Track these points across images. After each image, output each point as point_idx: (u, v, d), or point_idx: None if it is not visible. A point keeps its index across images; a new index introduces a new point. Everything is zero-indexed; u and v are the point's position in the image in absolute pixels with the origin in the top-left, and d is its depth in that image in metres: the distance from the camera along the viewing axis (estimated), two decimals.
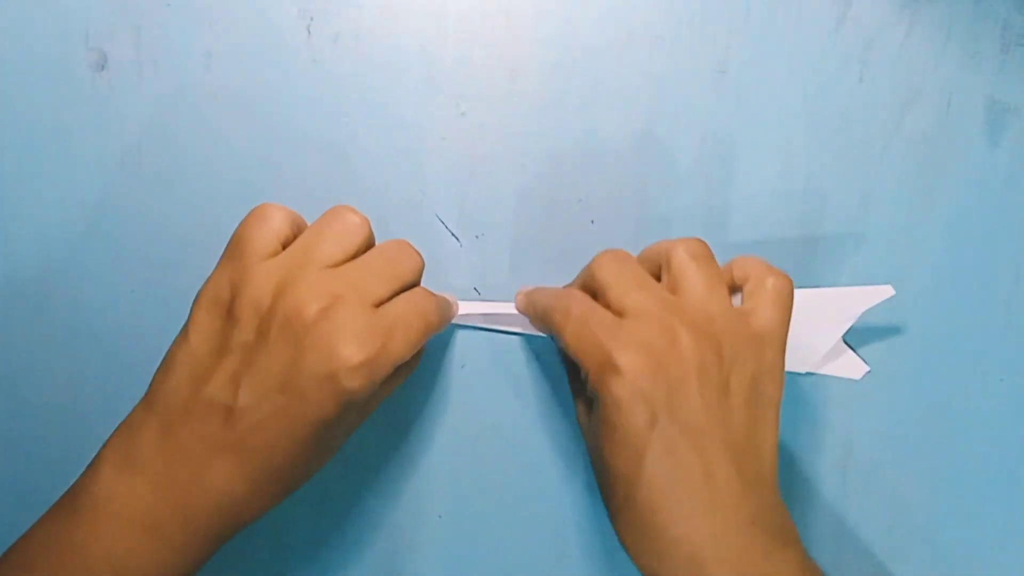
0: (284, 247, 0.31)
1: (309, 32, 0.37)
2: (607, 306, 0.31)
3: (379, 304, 0.30)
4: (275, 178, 0.38)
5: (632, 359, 0.29)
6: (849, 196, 0.38)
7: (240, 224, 0.31)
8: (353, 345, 0.28)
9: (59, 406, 0.38)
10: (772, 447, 0.31)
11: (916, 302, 0.38)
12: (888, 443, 0.39)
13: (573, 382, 0.36)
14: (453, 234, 0.38)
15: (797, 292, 0.33)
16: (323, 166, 0.38)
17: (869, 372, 0.38)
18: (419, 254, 0.33)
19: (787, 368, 0.38)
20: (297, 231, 0.32)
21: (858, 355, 0.38)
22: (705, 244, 0.32)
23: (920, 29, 0.38)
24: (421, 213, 0.38)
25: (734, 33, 0.38)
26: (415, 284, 0.33)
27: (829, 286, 0.38)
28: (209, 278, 0.31)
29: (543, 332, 0.37)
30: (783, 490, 0.32)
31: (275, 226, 0.31)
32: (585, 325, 0.31)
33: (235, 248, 0.31)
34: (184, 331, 0.31)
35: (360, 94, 0.38)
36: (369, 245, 0.32)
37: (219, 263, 0.31)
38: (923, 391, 0.39)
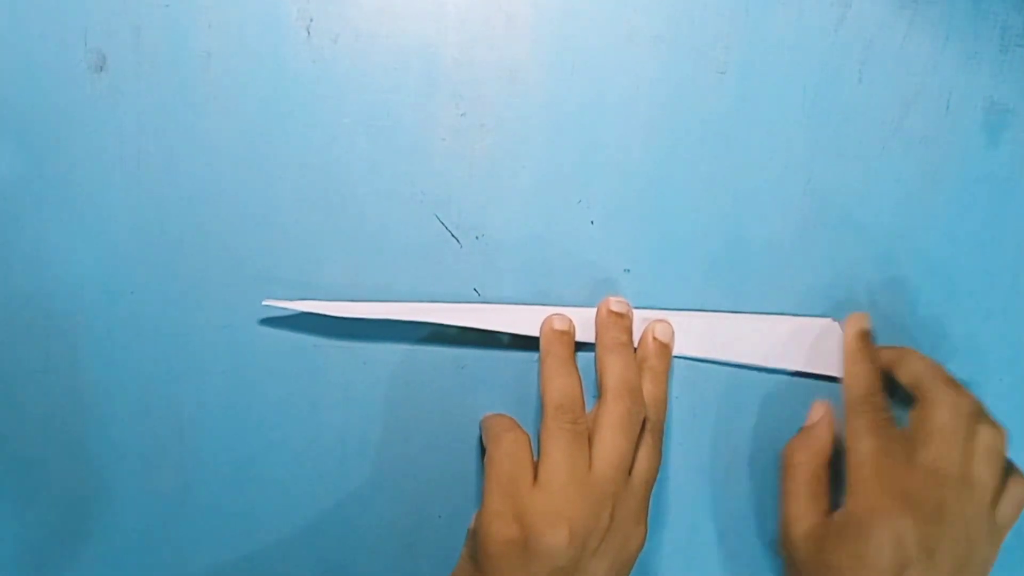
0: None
1: (309, 32, 0.37)
2: (913, 437, 0.34)
3: (630, 471, 0.34)
4: (275, 178, 0.38)
5: (908, 507, 0.32)
6: (849, 196, 0.38)
7: (491, 453, 0.34)
8: (638, 531, 0.35)
9: (59, 406, 0.38)
10: None
11: (916, 302, 0.38)
12: None
13: (800, 453, 0.37)
14: (453, 234, 0.38)
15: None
16: (323, 166, 0.38)
17: None
18: (636, 403, 0.35)
19: (784, 367, 0.38)
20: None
21: None
22: (1002, 436, 0.35)
23: (920, 29, 0.38)
24: (421, 213, 0.38)
25: (734, 33, 0.38)
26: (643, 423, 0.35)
27: (828, 285, 0.38)
28: (484, 515, 0.33)
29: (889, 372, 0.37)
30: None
31: (526, 448, 0.34)
32: (882, 452, 0.34)
33: (503, 481, 0.33)
34: (484, 571, 0.33)
35: (360, 94, 0.38)
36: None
37: (488, 497, 0.34)
38: None
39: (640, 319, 0.38)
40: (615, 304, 0.37)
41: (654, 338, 0.37)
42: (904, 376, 0.36)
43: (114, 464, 0.38)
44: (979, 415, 0.34)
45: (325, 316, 0.37)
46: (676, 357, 0.38)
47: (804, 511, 0.36)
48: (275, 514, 0.39)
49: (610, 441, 0.33)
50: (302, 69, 0.37)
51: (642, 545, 0.34)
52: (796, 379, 0.38)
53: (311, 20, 0.37)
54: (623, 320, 0.37)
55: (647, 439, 0.35)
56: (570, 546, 0.32)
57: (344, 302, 0.37)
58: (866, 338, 0.37)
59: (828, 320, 0.38)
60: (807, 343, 0.38)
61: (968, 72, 0.38)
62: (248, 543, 0.39)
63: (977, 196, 0.38)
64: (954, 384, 0.35)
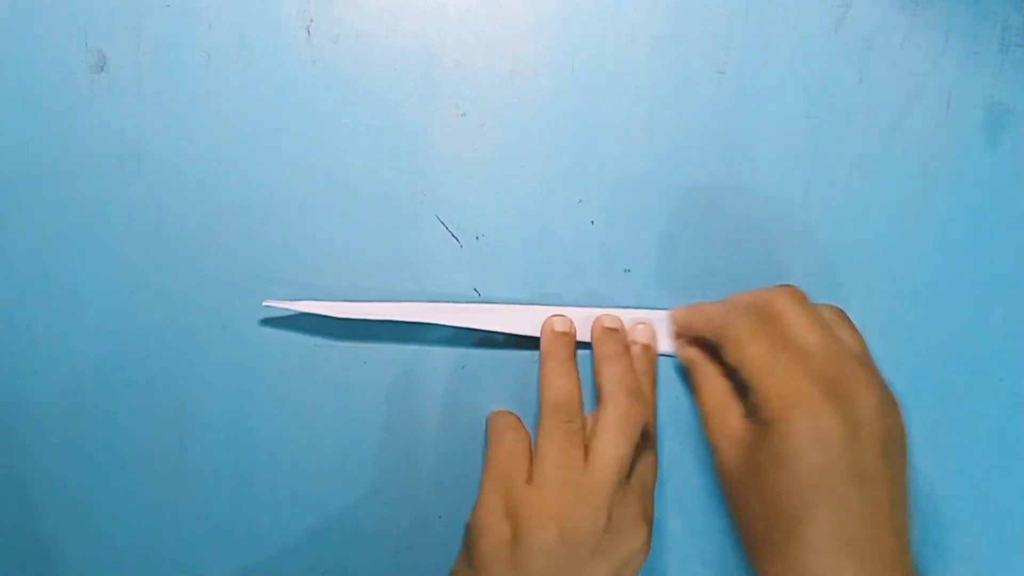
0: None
1: (309, 33, 0.37)
2: (791, 339, 0.32)
3: (630, 476, 0.34)
4: (275, 178, 0.38)
5: (820, 396, 0.30)
6: (849, 196, 0.38)
7: (490, 449, 0.35)
8: (638, 534, 0.34)
9: (59, 406, 0.38)
10: (911, 512, 0.32)
11: (916, 302, 0.38)
12: None
13: (717, 418, 0.35)
14: (453, 234, 0.38)
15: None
16: (323, 166, 0.38)
17: None
18: (636, 404, 0.34)
19: None
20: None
21: None
22: (838, 308, 0.35)
23: (920, 29, 0.38)
24: (421, 213, 0.38)
25: (734, 33, 0.38)
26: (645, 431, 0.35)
27: (828, 285, 0.38)
28: (479, 511, 0.34)
29: (702, 336, 0.36)
30: None
31: (523, 445, 0.35)
32: (772, 350, 0.32)
33: (497, 477, 0.34)
34: (479, 567, 0.33)
35: (360, 94, 0.38)
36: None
37: (484, 494, 0.34)
38: (923, 391, 0.39)
39: (641, 319, 0.38)
40: (608, 321, 0.37)
41: (634, 341, 0.37)
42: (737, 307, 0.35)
43: (114, 464, 0.38)
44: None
45: (325, 316, 0.37)
46: (676, 357, 0.38)
47: (720, 423, 0.35)
48: (275, 514, 0.39)
49: (608, 442, 0.33)
50: (302, 69, 0.37)
51: (646, 549, 0.34)
52: None
53: (311, 20, 0.37)
54: (617, 335, 0.37)
55: (646, 443, 0.35)
56: (560, 545, 0.31)
57: (344, 302, 0.37)
58: (692, 310, 0.36)
59: None
60: None
61: (968, 72, 0.38)
62: (248, 543, 0.39)
63: (977, 196, 0.38)
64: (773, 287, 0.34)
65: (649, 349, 0.37)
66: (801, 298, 0.33)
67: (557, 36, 0.38)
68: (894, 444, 0.31)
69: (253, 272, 0.38)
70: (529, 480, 0.33)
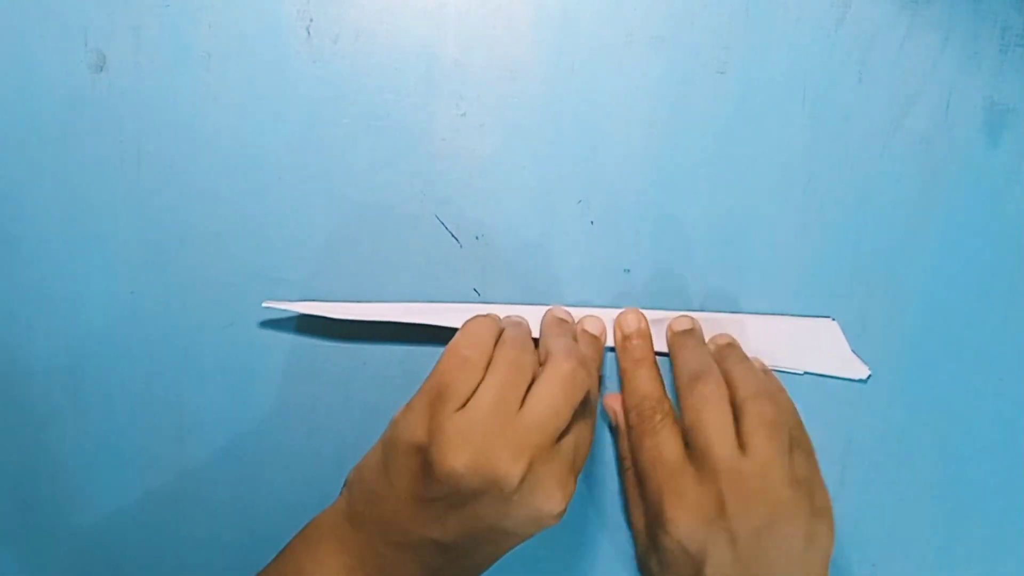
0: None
1: (309, 33, 0.37)
2: (687, 437, 0.34)
3: (561, 435, 0.32)
4: (275, 179, 0.38)
5: (682, 517, 0.32)
6: (849, 196, 0.38)
7: (440, 362, 0.33)
8: (556, 497, 0.31)
9: (59, 406, 0.38)
10: None
11: (916, 302, 0.38)
12: (888, 443, 0.39)
13: (632, 504, 0.37)
14: (453, 235, 0.38)
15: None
16: (323, 166, 0.38)
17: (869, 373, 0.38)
18: (582, 368, 0.33)
19: (784, 367, 0.38)
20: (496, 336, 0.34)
21: (859, 357, 0.38)
22: (781, 410, 0.34)
23: (920, 29, 0.38)
24: (421, 213, 0.38)
25: (734, 33, 0.38)
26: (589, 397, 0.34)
27: (828, 285, 0.38)
28: (404, 414, 0.32)
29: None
30: None
31: (473, 374, 0.32)
32: (654, 463, 0.34)
33: (433, 393, 0.32)
34: (385, 468, 0.32)
35: (360, 94, 0.38)
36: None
37: (416, 399, 0.32)
38: (923, 391, 0.39)
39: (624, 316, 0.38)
40: (558, 311, 0.37)
41: (583, 330, 0.37)
42: (680, 377, 0.36)
43: (114, 463, 0.38)
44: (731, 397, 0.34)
45: (325, 316, 0.37)
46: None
47: (634, 506, 0.37)
48: (274, 513, 0.39)
49: (546, 391, 0.32)
50: (302, 69, 0.37)
51: (557, 517, 0.32)
52: (796, 378, 0.38)
53: (311, 20, 0.37)
54: (566, 325, 0.37)
55: (585, 414, 0.34)
56: (468, 476, 0.30)
57: (344, 303, 0.37)
58: (644, 347, 0.37)
59: (828, 320, 0.38)
60: (807, 343, 0.38)
61: (968, 72, 0.38)
62: (248, 542, 0.39)
63: (977, 196, 0.38)
64: (707, 375, 0.34)
65: (596, 340, 0.37)
66: (717, 397, 0.34)
67: (557, 36, 0.38)
68: (781, 553, 0.32)
69: (253, 272, 0.38)
70: (462, 407, 0.32)
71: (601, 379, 0.38)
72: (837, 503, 0.38)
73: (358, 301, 0.38)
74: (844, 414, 0.38)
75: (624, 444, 0.37)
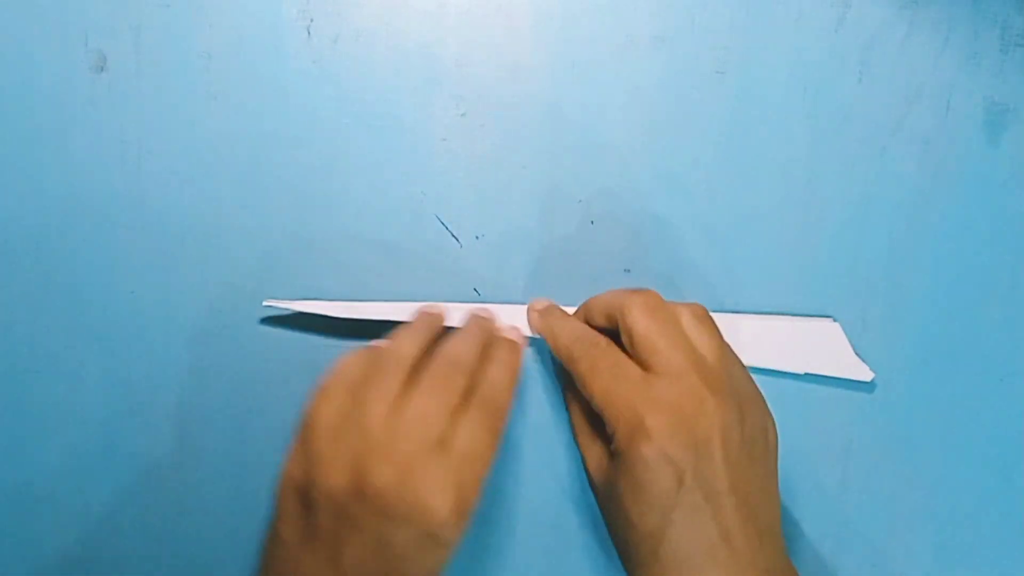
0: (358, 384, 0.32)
1: (309, 33, 0.37)
2: (636, 357, 0.32)
3: (444, 439, 0.31)
4: (275, 179, 0.38)
5: (663, 422, 0.30)
6: (849, 196, 0.38)
7: (307, 402, 0.32)
8: (438, 500, 0.29)
9: (59, 406, 0.38)
10: (777, 495, 0.32)
11: (916, 302, 0.38)
12: (888, 443, 0.39)
13: (585, 447, 0.36)
14: (453, 234, 0.38)
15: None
16: (323, 166, 0.38)
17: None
18: (471, 339, 0.33)
19: (785, 368, 0.38)
20: (369, 370, 0.33)
21: (861, 359, 0.38)
22: (701, 307, 0.34)
23: (920, 29, 0.38)
24: (421, 213, 0.38)
25: (734, 33, 0.38)
26: (481, 377, 0.33)
27: (828, 285, 0.38)
28: (286, 463, 0.32)
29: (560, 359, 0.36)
30: (783, 490, 0.32)
31: (337, 402, 0.32)
32: (615, 381, 0.32)
33: (303, 430, 0.32)
34: (273, 523, 0.32)
35: (360, 94, 0.38)
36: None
37: (292, 445, 0.32)
38: (923, 391, 0.39)
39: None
40: (479, 310, 0.37)
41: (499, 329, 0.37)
42: (598, 319, 0.35)
43: (114, 464, 0.38)
44: (665, 304, 0.33)
45: (325, 316, 0.37)
46: None
47: (587, 447, 0.35)
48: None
49: (415, 399, 0.31)
50: (302, 69, 0.38)
51: (449, 527, 0.30)
52: (796, 379, 0.38)
53: (311, 20, 0.37)
54: (483, 321, 0.36)
55: (471, 413, 0.32)
56: (347, 483, 0.29)
57: (344, 302, 0.37)
58: (549, 310, 0.37)
59: (828, 320, 0.38)
60: (807, 343, 0.38)
61: (968, 72, 0.38)
62: (248, 542, 0.39)
63: (977, 196, 0.38)
64: (632, 290, 0.34)
65: (514, 345, 0.36)
66: (652, 307, 0.33)
67: (557, 36, 0.38)
68: (752, 448, 0.31)
69: (253, 272, 0.38)
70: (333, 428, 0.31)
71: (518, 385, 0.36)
72: (838, 503, 0.38)
73: (358, 301, 0.38)
74: (844, 415, 0.38)
75: (569, 392, 0.37)
